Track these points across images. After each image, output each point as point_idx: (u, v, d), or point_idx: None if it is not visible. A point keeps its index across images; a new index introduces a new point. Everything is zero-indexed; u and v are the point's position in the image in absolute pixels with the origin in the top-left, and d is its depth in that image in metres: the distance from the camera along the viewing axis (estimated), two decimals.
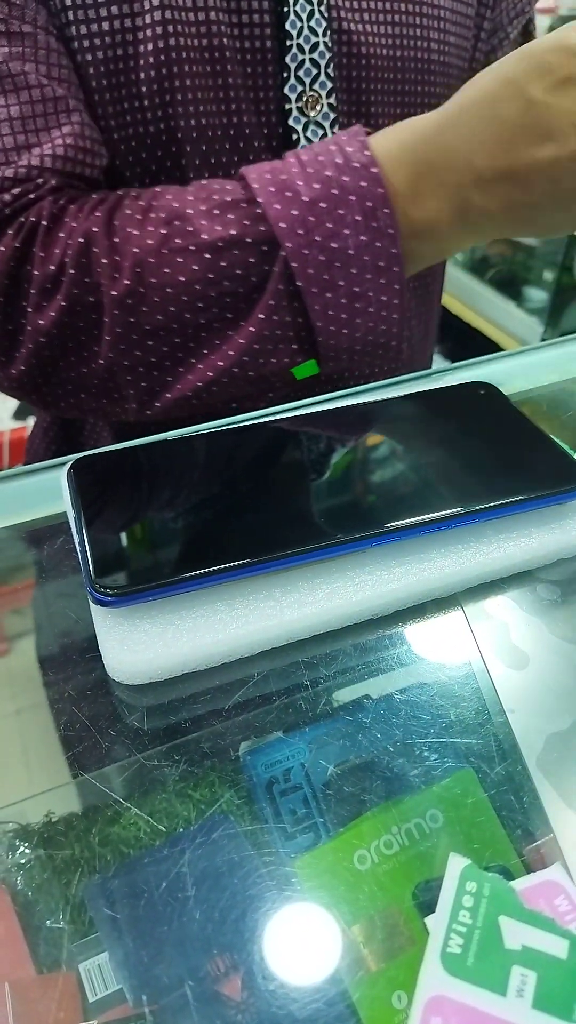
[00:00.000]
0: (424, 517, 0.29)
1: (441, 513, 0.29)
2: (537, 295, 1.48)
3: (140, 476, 0.32)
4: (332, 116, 0.46)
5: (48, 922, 0.22)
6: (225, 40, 0.42)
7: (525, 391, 0.42)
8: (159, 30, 0.39)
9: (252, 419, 0.38)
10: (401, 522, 0.29)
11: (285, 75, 0.44)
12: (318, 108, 0.45)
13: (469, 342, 1.60)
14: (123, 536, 0.28)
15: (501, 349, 1.52)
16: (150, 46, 0.40)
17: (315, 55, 0.44)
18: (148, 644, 0.26)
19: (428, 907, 0.21)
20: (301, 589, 0.28)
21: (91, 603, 0.27)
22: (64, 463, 0.33)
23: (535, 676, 0.27)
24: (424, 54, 0.48)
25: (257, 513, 0.29)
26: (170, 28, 0.40)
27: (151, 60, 0.40)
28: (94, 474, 0.31)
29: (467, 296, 1.57)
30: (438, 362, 0.66)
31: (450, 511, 0.29)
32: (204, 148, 0.43)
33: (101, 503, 0.30)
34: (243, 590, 0.28)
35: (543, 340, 1.42)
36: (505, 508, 0.30)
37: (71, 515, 0.31)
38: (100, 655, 0.27)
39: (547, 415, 0.41)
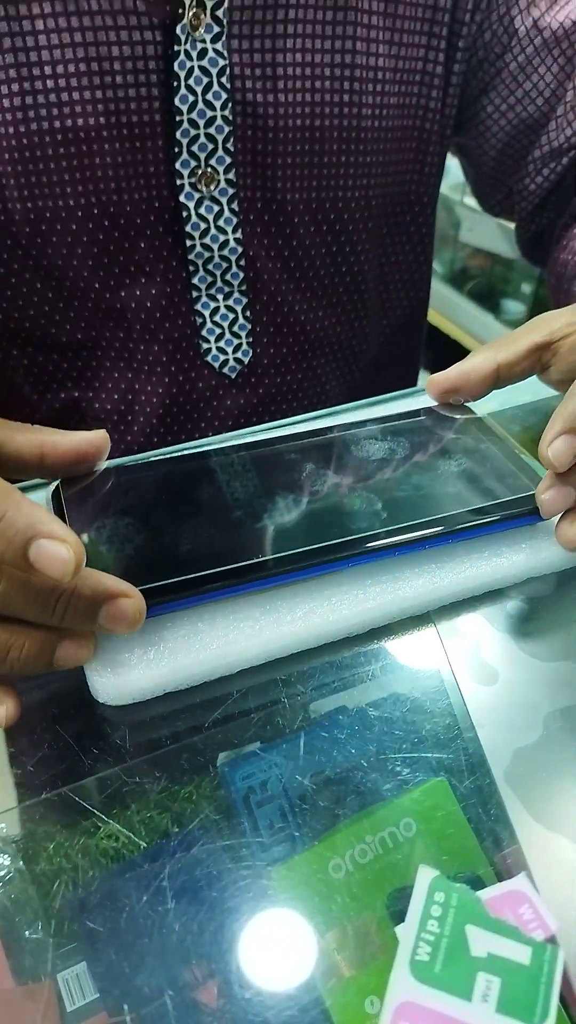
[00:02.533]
0: (398, 538, 0.30)
1: (415, 534, 0.30)
2: (515, 307, 1.50)
3: (122, 497, 0.32)
4: (232, 191, 0.44)
5: (27, 932, 0.23)
6: (100, 119, 0.40)
7: (500, 411, 0.43)
8: (19, 115, 0.39)
9: (233, 439, 0.39)
10: (376, 543, 0.30)
11: (176, 150, 0.42)
12: (214, 184, 0.43)
13: (450, 353, 1.63)
14: (106, 557, 0.29)
15: None
16: (10, 129, 0.39)
17: (212, 129, 0.42)
18: (132, 666, 0.27)
19: (400, 915, 0.22)
20: (280, 609, 0.29)
21: None
22: (48, 483, 0.34)
23: (504, 691, 0.28)
24: (353, 121, 0.46)
25: (237, 535, 0.30)
26: (31, 113, 0.39)
27: (12, 143, 0.40)
28: (78, 494, 0.32)
29: (447, 308, 1.59)
30: (420, 376, 0.67)
31: (424, 532, 0.30)
32: (75, 227, 0.42)
33: (85, 524, 0.31)
34: (224, 611, 0.29)
35: None
36: (476, 529, 0.31)
37: None
38: (84, 674, 0.27)
39: (521, 434, 0.42)
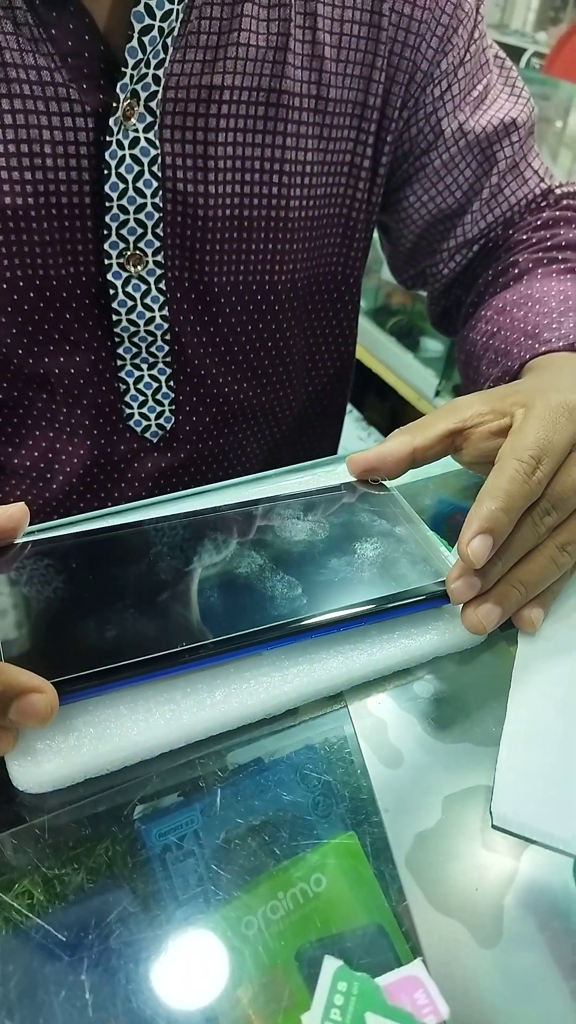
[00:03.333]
0: (316, 620, 0.32)
1: (332, 616, 0.32)
2: (434, 346, 1.56)
3: (42, 575, 0.32)
4: (159, 272, 0.45)
5: None
6: (29, 199, 0.40)
7: (412, 482, 0.45)
8: None
9: (153, 506, 0.40)
10: (295, 626, 0.31)
11: (105, 232, 0.42)
12: (142, 265, 0.44)
13: (371, 388, 1.67)
14: (23, 639, 0.29)
15: (401, 398, 1.60)
16: None
17: (142, 215, 0.42)
18: (52, 753, 0.28)
19: (310, 967, 0.24)
20: (200, 692, 0.30)
21: None
22: None
23: (407, 774, 0.30)
24: (281, 212, 0.47)
25: (159, 618, 0.31)
26: None
27: None
28: (2, 565, 0.32)
29: (370, 343, 1.64)
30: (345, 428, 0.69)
31: (340, 615, 0.32)
32: (1, 298, 0.42)
33: (3, 602, 0.31)
34: (144, 693, 0.30)
35: (437, 392, 1.51)
36: (389, 612, 0.33)
37: None
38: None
39: (432, 507, 0.45)
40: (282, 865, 0.27)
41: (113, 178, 0.41)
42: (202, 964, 0.24)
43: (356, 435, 1.50)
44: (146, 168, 0.42)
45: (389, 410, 1.73)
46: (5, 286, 0.42)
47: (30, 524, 0.34)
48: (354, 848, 0.27)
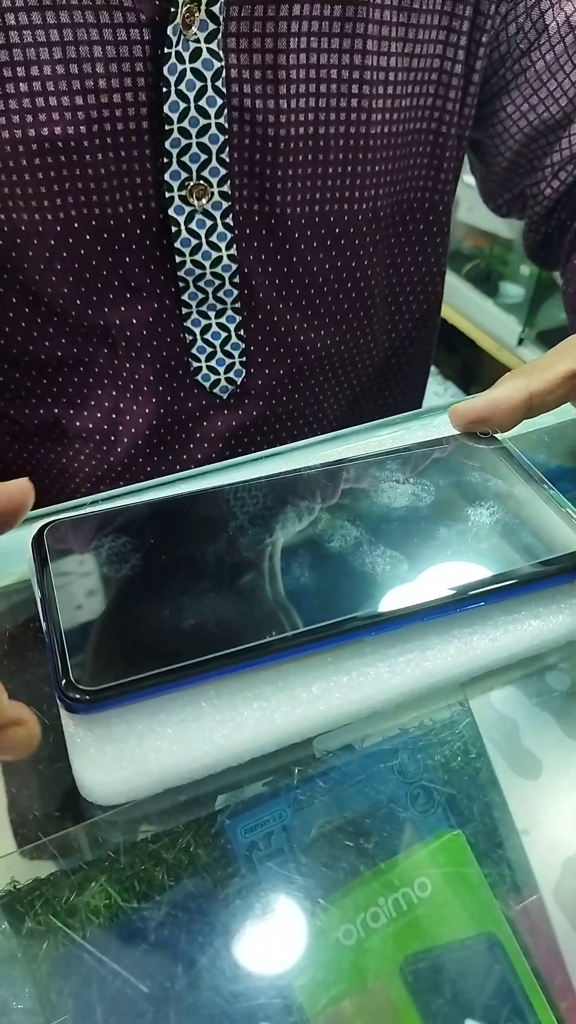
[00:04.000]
0: (427, 601, 0.27)
1: (446, 596, 0.27)
2: (514, 291, 1.46)
3: (112, 554, 0.29)
4: (226, 205, 0.41)
5: (14, 1003, 0.21)
6: (81, 128, 0.37)
7: (523, 433, 0.39)
8: None
9: (228, 468, 0.35)
10: (403, 607, 0.26)
11: (165, 160, 0.38)
12: (206, 198, 0.40)
13: (445, 339, 1.59)
14: (97, 627, 0.26)
15: (480, 348, 1.51)
16: None
17: (205, 139, 0.38)
18: (125, 760, 0.24)
19: (415, 981, 0.21)
20: (294, 686, 0.26)
21: (60, 707, 0.24)
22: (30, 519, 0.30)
23: (548, 787, 0.25)
24: (362, 128, 0.42)
25: (246, 599, 0.27)
26: (1, 120, 0.36)
27: None
28: (66, 544, 0.28)
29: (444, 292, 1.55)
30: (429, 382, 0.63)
31: (456, 594, 0.27)
32: (54, 243, 0.39)
33: (74, 583, 0.27)
34: (229, 689, 0.26)
35: (520, 340, 1.40)
36: (513, 589, 0.28)
37: (37, 591, 0.28)
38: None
39: (548, 462, 0.39)
40: (381, 867, 0.24)
41: (173, 96, 0.37)
42: (297, 975, 0.22)
43: (432, 391, 1.42)
44: (209, 83, 0.37)
45: (461, 363, 1.64)
46: (60, 228, 0.39)
47: (93, 492, 0.30)
48: (462, 848, 0.24)
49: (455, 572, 0.28)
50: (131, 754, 0.24)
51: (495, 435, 0.34)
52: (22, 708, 0.23)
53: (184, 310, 0.43)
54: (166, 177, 0.39)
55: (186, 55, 0.36)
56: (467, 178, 0.57)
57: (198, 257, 0.42)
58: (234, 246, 0.42)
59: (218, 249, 0.42)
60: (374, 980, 0.22)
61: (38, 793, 0.25)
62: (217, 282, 0.43)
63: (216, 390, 0.47)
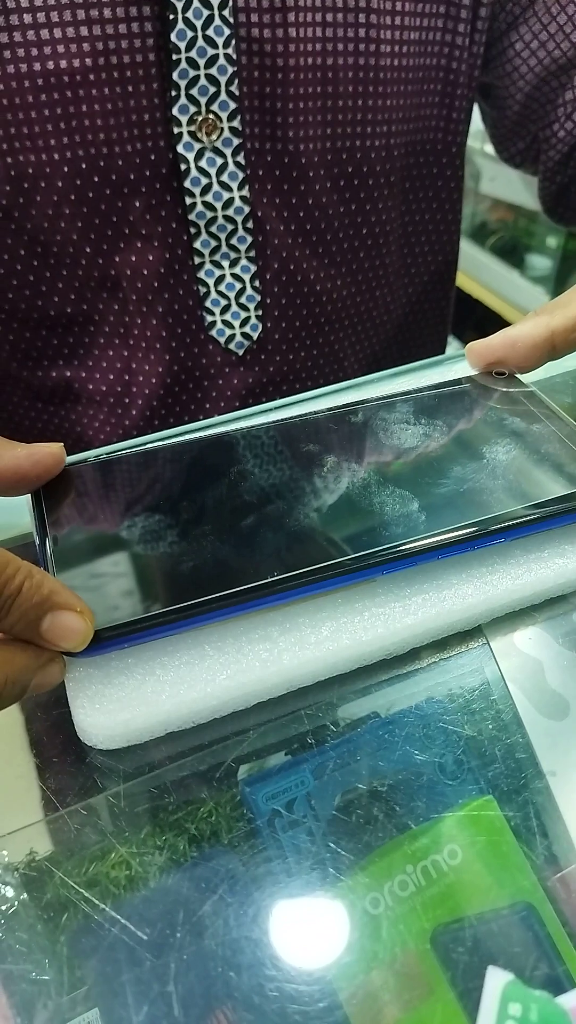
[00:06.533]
0: (443, 537, 0.25)
1: (462, 532, 0.25)
2: (541, 263, 1.42)
3: (116, 495, 0.28)
4: (237, 142, 0.39)
5: (33, 974, 0.20)
6: (86, 60, 0.35)
7: (546, 377, 0.37)
8: None
9: (238, 419, 0.34)
10: (417, 544, 0.25)
11: (173, 94, 0.37)
12: (216, 133, 0.39)
13: (471, 315, 1.55)
14: (96, 569, 0.25)
15: (506, 322, 1.47)
16: None
17: (213, 70, 0.37)
18: (125, 701, 0.23)
19: (447, 952, 0.20)
20: (302, 627, 0.25)
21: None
22: None
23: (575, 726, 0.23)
24: (370, 59, 0.41)
25: (250, 538, 0.25)
26: (6, 54, 0.34)
27: None
28: (65, 492, 0.27)
29: (468, 265, 1.51)
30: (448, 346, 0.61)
31: (473, 529, 0.25)
32: (61, 185, 0.38)
33: (72, 528, 0.26)
34: (234, 630, 0.24)
35: None
36: (534, 525, 0.26)
37: (37, 539, 0.27)
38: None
39: (574, 405, 0.37)
40: (410, 834, 0.23)
41: (180, 24, 0.36)
42: (324, 946, 0.21)
43: None
44: (216, 11, 0.36)
45: None
46: (67, 169, 0.38)
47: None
48: (494, 814, 0.23)
49: (472, 509, 0.26)
50: (131, 695, 0.23)
51: (516, 376, 0.32)
52: (80, 599, 0.23)
53: (197, 259, 0.42)
54: (174, 112, 0.37)
55: None
56: (489, 148, 0.55)
57: (209, 198, 0.40)
58: (246, 186, 0.41)
59: (230, 190, 0.40)
60: (405, 950, 0.21)
61: (49, 756, 0.24)
62: (230, 227, 0.41)
63: (231, 346, 0.45)
